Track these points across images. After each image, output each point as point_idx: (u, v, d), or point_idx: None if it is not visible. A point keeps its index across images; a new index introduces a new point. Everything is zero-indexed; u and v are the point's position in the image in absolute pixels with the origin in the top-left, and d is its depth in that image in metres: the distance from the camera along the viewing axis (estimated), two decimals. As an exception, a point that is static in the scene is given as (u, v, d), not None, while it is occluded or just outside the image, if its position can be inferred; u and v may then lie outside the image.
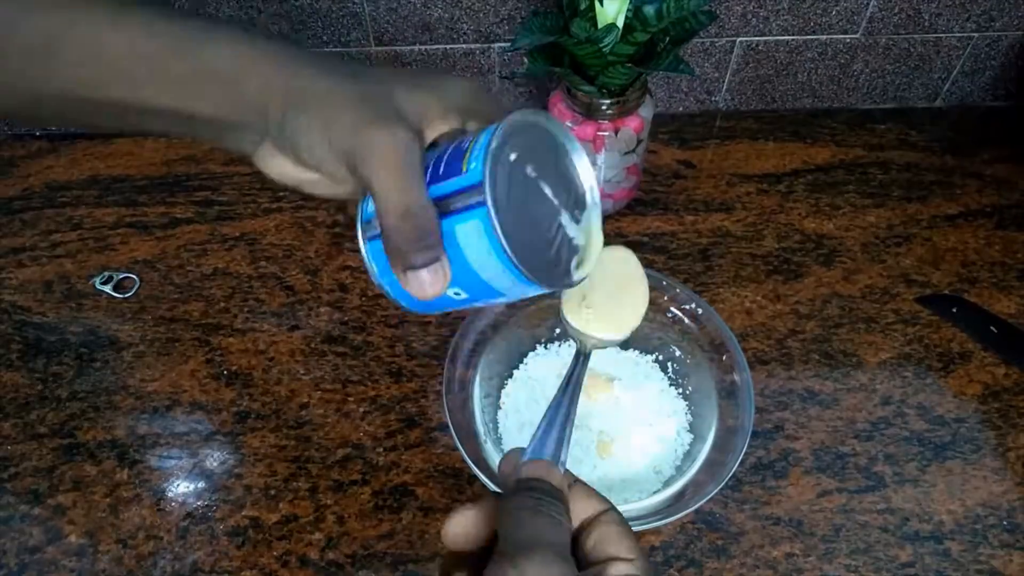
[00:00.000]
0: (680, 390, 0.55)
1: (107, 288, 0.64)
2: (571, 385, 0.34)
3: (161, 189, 0.72)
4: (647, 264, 0.65)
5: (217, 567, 0.49)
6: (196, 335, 0.61)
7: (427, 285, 0.29)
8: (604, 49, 0.54)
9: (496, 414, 0.53)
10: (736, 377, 0.51)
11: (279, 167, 0.33)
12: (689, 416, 0.53)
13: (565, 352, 0.57)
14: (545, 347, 0.57)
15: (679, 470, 0.50)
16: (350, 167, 0.30)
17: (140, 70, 0.32)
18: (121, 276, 0.65)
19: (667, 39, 0.57)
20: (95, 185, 0.73)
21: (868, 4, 0.70)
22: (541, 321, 0.56)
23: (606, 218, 0.69)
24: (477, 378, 0.52)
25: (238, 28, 0.33)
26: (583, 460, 0.51)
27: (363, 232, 0.32)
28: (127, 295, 0.63)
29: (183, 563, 0.49)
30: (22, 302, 0.63)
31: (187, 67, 0.32)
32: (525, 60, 0.58)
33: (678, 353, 0.55)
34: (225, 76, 0.32)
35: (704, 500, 0.45)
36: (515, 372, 0.56)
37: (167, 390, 0.57)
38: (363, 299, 0.63)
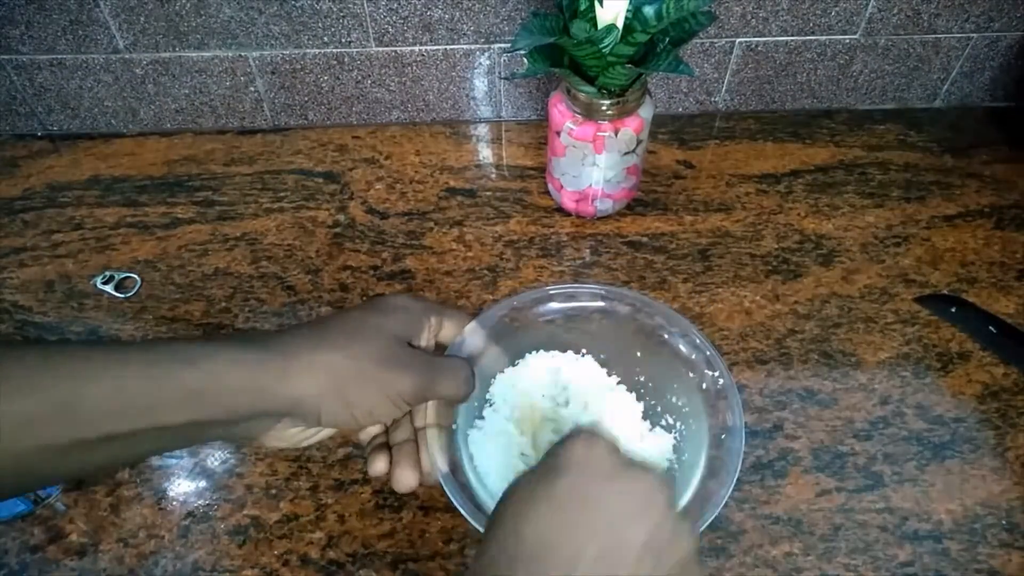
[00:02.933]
0: (662, 410, 0.51)
1: (108, 288, 0.64)
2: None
3: (162, 189, 0.73)
4: (647, 264, 0.65)
5: (218, 566, 0.49)
6: (197, 335, 0.61)
7: None
8: (604, 50, 0.55)
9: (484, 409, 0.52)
10: (721, 382, 0.48)
11: (292, 437, 0.40)
12: (676, 435, 0.50)
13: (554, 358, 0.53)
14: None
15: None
16: (419, 400, 0.41)
17: (160, 396, 0.34)
18: (122, 276, 0.65)
19: (667, 40, 0.57)
20: (96, 185, 0.73)
21: (867, 5, 0.70)
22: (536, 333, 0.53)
23: (607, 217, 0.69)
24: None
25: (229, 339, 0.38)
26: None
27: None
28: (128, 295, 0.64)
29: (184, 562, 0.49)
30: (23, 302, 0.64)
31: (201, 383, 0.35)
32: (525, 61, 0.58)
33: (656, 369, 0.51)
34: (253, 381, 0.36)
35: (717, 511, 0.42)
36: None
37: (168, 390, 0.58)
38: (364, 299, 0.63)
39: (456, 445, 0.47)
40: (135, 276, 0.65)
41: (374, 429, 0.45)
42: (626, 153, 0.62)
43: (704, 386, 0.48)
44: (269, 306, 0.63)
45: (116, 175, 0.74)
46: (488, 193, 0.72)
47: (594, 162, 0.62)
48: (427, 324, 0.43)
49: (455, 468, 0.45)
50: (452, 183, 0.73)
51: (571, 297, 0.52)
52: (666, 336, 0.50)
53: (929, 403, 0.56)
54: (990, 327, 0.60)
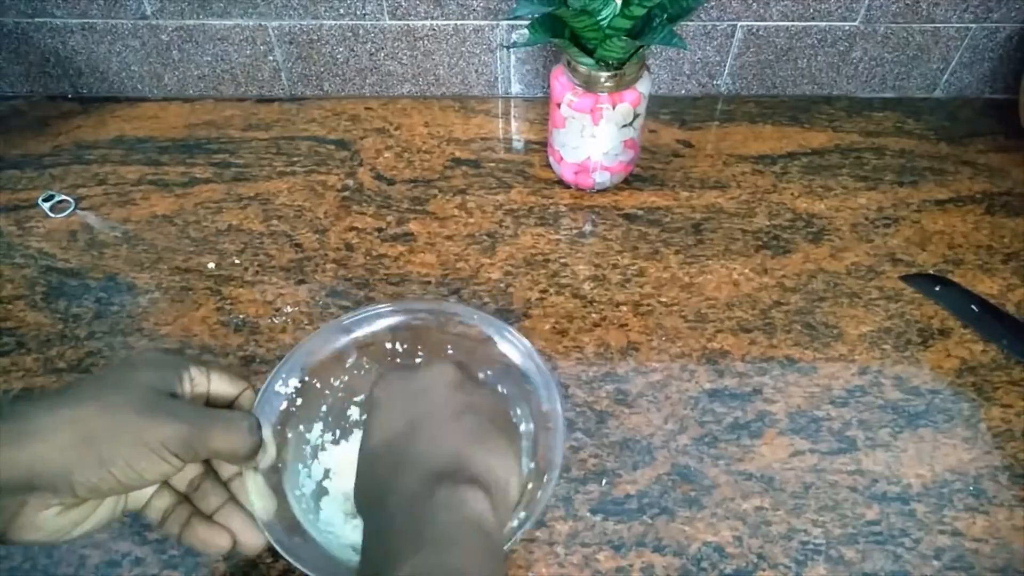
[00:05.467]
0: None
1: (46, 206, 0.71)
2: None
3: (182, 151, 0.76)
4: (641, 236, 0.67)
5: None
6: (208, 285, 0.64)
7: None
8: (602, 23, 0.57)
9: None
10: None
11: (50, 523, 0.34)
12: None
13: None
14: None
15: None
16: (191, 454, 0.37)
17: None
18: (59, 199, 0.71)
19: (664, 15, 0.59)
20: (120, 145, 0.77)
21: (868, -8, 0.72)
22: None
23: (605, 191, 0.71)
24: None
25: None
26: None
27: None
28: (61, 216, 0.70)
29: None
30: (48, 249, 0.67)
31: None
32: (527, 31, 0.61)
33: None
34: None
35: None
36: None
37: (178, 334, 0.61)
38: (367, 258, 0.66)
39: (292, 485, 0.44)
40: (70, 199, 0.71)
41: (158, 501, 0.40)
42: (623, 126, 0.65)
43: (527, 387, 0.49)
44: (277, 261, 0.66)
45: (139, 136, 0.78)
46: (492, 164, 0.74)
47: (592, 134, 0.65)
48: (184, 374, 0.40)
49: (289, 517, 0.42)
50: (458, 154, 0.76)
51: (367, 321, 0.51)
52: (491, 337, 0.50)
53: (907, 375, 0.58)
54: (972, 306, 0.62)
